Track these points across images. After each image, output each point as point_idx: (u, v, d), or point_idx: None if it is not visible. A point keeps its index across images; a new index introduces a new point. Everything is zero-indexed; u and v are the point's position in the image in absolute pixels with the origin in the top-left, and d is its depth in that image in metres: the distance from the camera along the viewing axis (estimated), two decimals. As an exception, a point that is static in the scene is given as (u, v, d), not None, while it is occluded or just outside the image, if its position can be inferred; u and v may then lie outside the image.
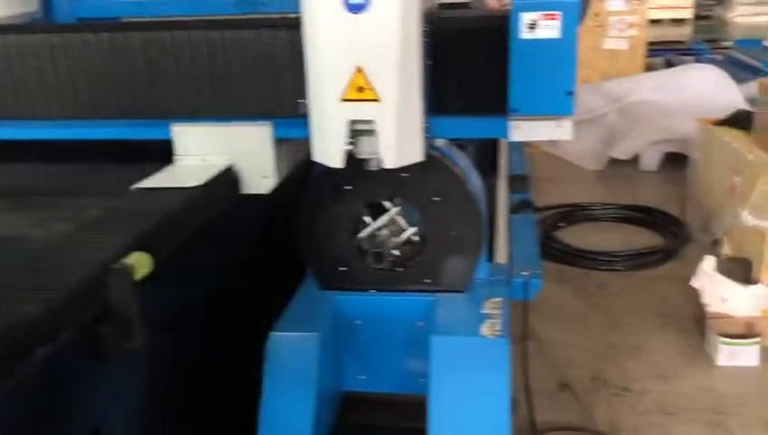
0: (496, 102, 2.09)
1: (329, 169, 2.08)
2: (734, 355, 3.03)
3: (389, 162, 1.97)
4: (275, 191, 2.27)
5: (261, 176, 2.27)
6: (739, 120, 4.20)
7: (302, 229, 2.40)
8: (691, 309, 3.54)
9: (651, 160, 5.90)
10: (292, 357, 2.22)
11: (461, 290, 2.40)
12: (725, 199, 4.05)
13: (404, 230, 2.38)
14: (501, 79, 2.04)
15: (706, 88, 6.04)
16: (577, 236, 4.49)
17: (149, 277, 1.59)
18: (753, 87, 6.21)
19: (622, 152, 5.82)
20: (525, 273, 2.91)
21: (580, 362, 3.09)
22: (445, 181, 2.28)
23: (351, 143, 2.03)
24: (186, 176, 2.18)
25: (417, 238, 2.39)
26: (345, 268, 2.41)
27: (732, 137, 4.06)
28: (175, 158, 2.26)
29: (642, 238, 4.54)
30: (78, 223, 1.82)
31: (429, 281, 2.40)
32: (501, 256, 2.79)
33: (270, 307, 2.44)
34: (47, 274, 1.49)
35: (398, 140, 1.95)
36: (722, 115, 4.62)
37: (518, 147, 4.99)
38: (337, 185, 2.31)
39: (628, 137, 5.79)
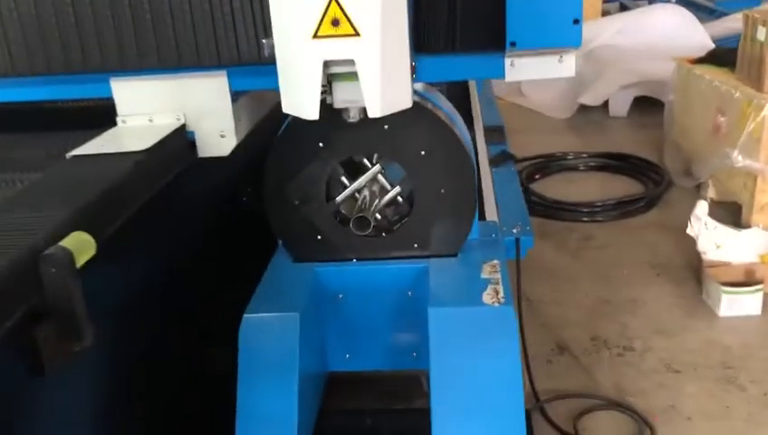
0: (491, 37, 1.82)
1: (300, 123, 1.79)
2: (737, 304, 2.86)
3: (374, 111, 1.67)
4: (237, 153, 1.98)
5: (219, 135, 1.98)
6: (719, 58, 3.99)
7: (270, 195, 2.11)
8: (684, 258, 3.37)
9: (621, 106, 5.71)
10: (270, 341, 1.94)
11: (454, 254, 2.14)
12: (709, 141, 3.87)
13: (387, 191, 2.11)
14: (496, 6, 1.76)
15: (672, 28, 5.84)
16: (554, 188, 4.28)
17: (92, 262, 1.28)
18: (714, 26, 6.08)
19: (592, 99, 5.61)
20: (515, 230, 2.69)
21: (574, 322, 2.89)
22: (433, 132, 2.00)
23: (326, 91, 1.75)
24: (130, 139, 1.90)
25: (402, 199, 2.13)
26: (322, 237, 2.13)
27: (714, 75, 3.86)
28: (117, 119, 1.95)
29: (621, 186, 4.35)
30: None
31: (418, 246, 2.14)
32: (491, 213, 2.54)
33: (239, 286, 2.15)
34: (-41, 267, 1.17)
35: (384, 84, 1.66)
36: (690, 56, 4.41)
37: (489, 97, 4.75)
38: (310, 142, 2.01)
39: (597, 83, 5.58)
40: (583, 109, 5.85)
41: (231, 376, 1.90)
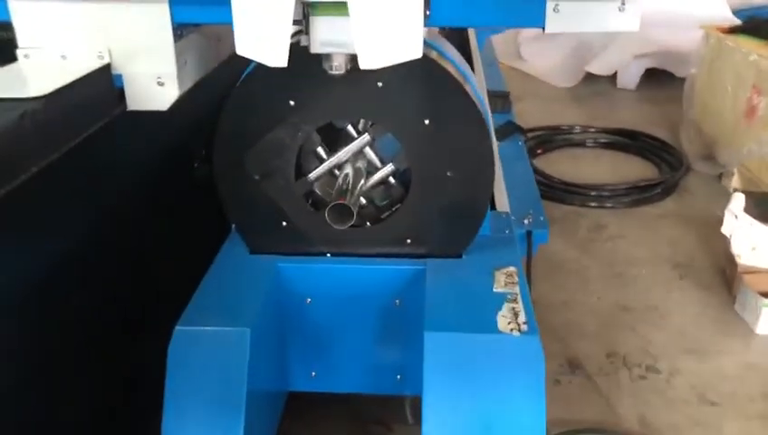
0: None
1: (264, 72, 1.29)
2: (779, 321, 2.43)
3: (367, 60, 1.17)
4: (185, 107, 1.48)
5: (156, 82, 1.49)
6: (758, 29, 3.50)
7: (222, 166, 1.61)
8: (709, 257, 2.92)
9: (631, 77, 5.22)
10: (209, 364, 1.46)
11: (457, 255, 1.66)
12: (740, 123, 3.40)
13: (377, 168, 1.62)
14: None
15: (692, -4, 5.33)
16: (558, 166, 3.79)
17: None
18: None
19: (602, 67, 5.11)
20: (526, 221, 2.22)
21: (588, 331, 2.43)
22: (441, 93, 1.50)
23: (301, 30, 1.26)
24: (28, 81, 1.41)
25: (394, 181, 1.64)
26: (288, 223, 1.64)
27: (752, 47, 3.37)
28: (18, 52, 1.47)
29: (633, 168, 3.88)
30: None
31: (412, 242, 1.65)
32: (501, 201, 2.05)
33: (175, 282, 1.66)
34: None
35: (384, 23, 1.14)
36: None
37: (491, 58, 4.22)
38: (276, 99, 1.51)
39: (609, 50, 5.06)
40: (588, 78, 5.34)
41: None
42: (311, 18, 1.23)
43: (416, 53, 1.16)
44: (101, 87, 1.46)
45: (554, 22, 1.40)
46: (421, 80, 1.48)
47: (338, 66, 1.29)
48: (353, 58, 1.22)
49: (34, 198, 1.29)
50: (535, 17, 1.39)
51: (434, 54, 1.54)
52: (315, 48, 1.27)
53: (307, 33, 1.26)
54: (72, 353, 1.45)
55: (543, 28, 1.40)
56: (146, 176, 1.75)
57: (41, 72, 1.44)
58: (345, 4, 1.12)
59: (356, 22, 1.13)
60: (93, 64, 1.44)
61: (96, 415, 1.55)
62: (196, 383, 1.45)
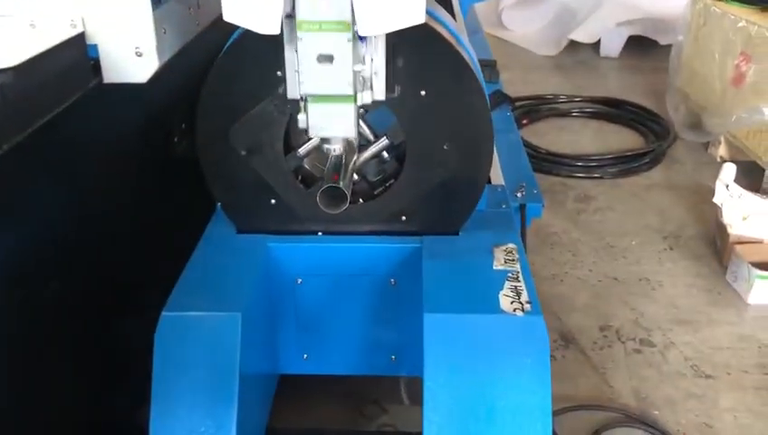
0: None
1: (251, 39, 1.20)
2: (771, 291, 2.41)
3: (368, 25, 1.09)
4: (164, 78, 1.39)
5: (134, 53, 1.39)
6: (746, -7, 3.44)
7: (206, 140, 1.52)
8: (698, 226, 2.90)
9: (614, 45, 5.16)
10: (198, 350, 1.39)
11: (455, 232, 1.60)
12: (728, 91, 3.36)
13: (370, 142, 1.54)
14: None
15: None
16: (544, 136, 3.74)
17: None
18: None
19: (586, 35, 5.04)
20: (518, 195, 2.16)
21: (580, 304, 2.40)
22: (438, 60, 1.42)
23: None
24: None
25: (388, 155, 1.56)
26: (277, 201, 1.56)
27: (740, 12, 3.32)
28: None
29: (620, 138, 3.84)
30: None
31: (407, 219, 1.58)
32: (496, 174, 1.99)
33: (158, 264, 1.58)
34: None
35: (384, -17, 1.07)
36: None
37: (475, 25, 4.13)
38: (264, 68, 1.42)
39: (593, 17, 4.99)
40: (571, 46, 5.27)
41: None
42: (309, 105, 1.25)
43: (418, 17, 1.08)
44: (75, 58, 1.37)
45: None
46: (416, 47, 1.40)
47: (336, 149, 1.32)
48: (348, 25, 1.14)
49: (7, 178, 1.20)
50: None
51: (431, 21, 1.46)
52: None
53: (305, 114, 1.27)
54: (52, 340, 1.37)
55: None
56: (122, 152, 1.66)
57: (8, 42, 1.34)
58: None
59: (354, -16, 1.05)
60: (66, 34, 1.35)
61: (80, 404, 1.48)
62: (186, 371, 1.38)
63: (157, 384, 1.37)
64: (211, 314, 1.38)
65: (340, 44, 1.18)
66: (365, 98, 1.29)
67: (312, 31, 1.17)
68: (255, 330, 1.49)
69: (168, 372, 1.37)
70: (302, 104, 1.28)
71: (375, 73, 1.28)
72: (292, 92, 1.30)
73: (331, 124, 1.28)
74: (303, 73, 1.21)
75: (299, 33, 1.17)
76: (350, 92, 1.22)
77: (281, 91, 1.42)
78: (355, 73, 1.22)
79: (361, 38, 1.20)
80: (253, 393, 1.52)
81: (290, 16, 1.19)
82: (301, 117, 1.29)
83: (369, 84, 1.28)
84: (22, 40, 1.33)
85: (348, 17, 1.14)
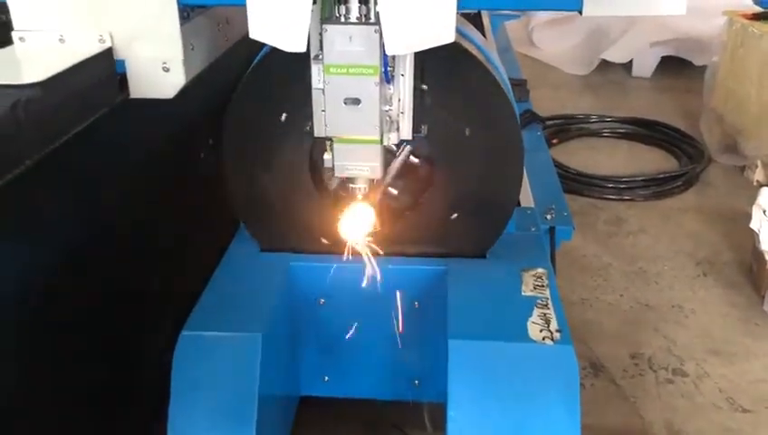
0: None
1: (279, 57, 1.18)
2: (810, 322, 2.32)
3: (395, 44, 1.06)
4: (192, 94, 1.38)
5: (161, 68, 1.38)
6: (785, 15, 3.37)
7: (231, 158, 1.50)
8: (732, 253, 2.81)
9: (647, 65, 5.09)
10: (219, 371, 1.36)
11: (481, 255, 1.55)
12: (765, 113, 3.28)
13: (395, 157, 1.51)
14: None
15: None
16: (574, 156, 3.68)
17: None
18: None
19: (619, 55, 4.98)
20: (548, 217, 2.10)
21: (610, 331, 2.33)
22: (471, 81, 1.39)
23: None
24: (24, 66, 1.33)
25: (415, 175, 1.53)
26: (301, 220, 1.53)
27: (779, 35, 3.25)
28: (13, 34, 1.38)
29: (652, 159, 3.76)
30: None
31: (432, 240, 1.54)
32: (526, 196, 1.94)
33: (181, 281, 1.56)
34: None
35: (415, 3, 1.03)
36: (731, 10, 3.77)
37: (505, 44, 4.11)
38: (290, 85, 1.40)
39: (626, 36, 4.92)
40: (602, 65, 5.21)
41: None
42: (334, 145, 1.26)
43: (448, 37, 1.05)
44: (102, 73, 1.37)
45: (593, 4, 1.28)
46: (444, 64, 1.37)
47: (362, 189, 1.34)
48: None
49: (30, 194, 1.19)
50: (574, 1, 1.28)
51: (464, 40, 1.43)
52: (339, 172, 1.29)
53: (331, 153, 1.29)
54: (74, 352, 1.36)
55: (580, 11, 1.29)
56: (147, 168, 1.65)
57: (37, 56, 1.35)
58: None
59: (381, 5, 1.02)
60: (94, 48, 1.36)
61: (96, 417, 1.46)
62: (204, 392, 1.35)
63: (175, 404, 1.34)
64: (231, 335, 1.35)
65: (367, 88, 1.18)
66: (391, 139, 1.28)
67: (340, 75, 1.17)
68: (276, 351, 1.46)
69: (186, 391, 1.35)
70: (328, 144, 1.27)
71: (402, 113, 1.27)
72: (319, 132, 1.28)
73: (356, 165, 1.27)
74: (330, 115, 1.21)
75: (326, 77, 1.17)
76: (377, 136, 1.22)
77: (308, 128, 1.40)
78: (381, 114, 1.21)
79: (388, 80, 1.21)
80: (272, 415, 1.48)
81: (317, 58, 1.18)
82: (326, 156, 1.30)
83: (396, 125, 1.27)
84: (50, 55, 1.34)
85: (376, 61, 1.14)
